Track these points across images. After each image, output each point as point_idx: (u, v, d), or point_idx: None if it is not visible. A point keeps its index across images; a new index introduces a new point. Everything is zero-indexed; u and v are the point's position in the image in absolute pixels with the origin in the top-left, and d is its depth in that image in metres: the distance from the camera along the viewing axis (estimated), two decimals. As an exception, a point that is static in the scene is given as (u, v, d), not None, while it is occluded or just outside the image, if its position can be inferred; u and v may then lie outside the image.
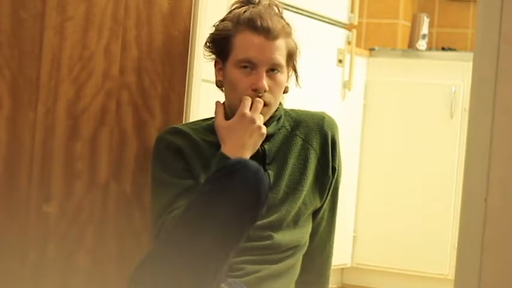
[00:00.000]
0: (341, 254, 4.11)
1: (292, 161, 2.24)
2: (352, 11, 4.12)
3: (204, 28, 2.47)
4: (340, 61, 4.08)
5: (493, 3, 1.68)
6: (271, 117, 2.24)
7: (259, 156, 2.21)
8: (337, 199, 2.37)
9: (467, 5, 4.90)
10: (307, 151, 2.26)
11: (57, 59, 2.19)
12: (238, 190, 1.98)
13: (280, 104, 2.29)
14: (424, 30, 4.87)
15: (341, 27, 4.08)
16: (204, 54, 2.29)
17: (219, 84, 2.27)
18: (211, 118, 2.32)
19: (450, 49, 4.70)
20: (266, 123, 2.21)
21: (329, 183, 2.31)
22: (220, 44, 2.22)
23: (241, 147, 2.13)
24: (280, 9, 2.25)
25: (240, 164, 2.01)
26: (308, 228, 2.30)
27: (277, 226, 2.20)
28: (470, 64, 1.74)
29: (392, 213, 4.29)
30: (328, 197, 2.33)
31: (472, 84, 1.70)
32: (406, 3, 4.86)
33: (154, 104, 2.39)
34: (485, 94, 1.70)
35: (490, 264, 1.65)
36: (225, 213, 1.97)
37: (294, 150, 2.25)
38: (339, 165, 2.32)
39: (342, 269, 4.34)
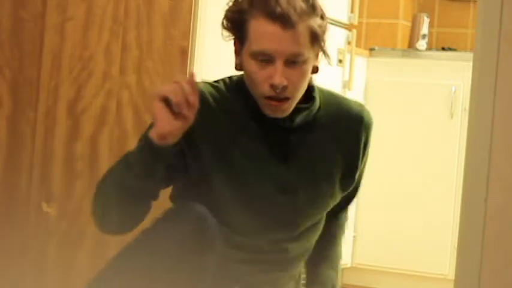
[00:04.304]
0: (341, 254, 4.11)
1: (318, 162, 1.98)
2: (352, 11, 4.12)
3: (204, 28, 2.47)
4: (340, 61, 4.08)
5: (493, 3, 1.68)
6: (297, 109, 1.94)
7: (281, 150, 1.95)
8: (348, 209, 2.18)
9: (467, 5, 4.90)
10: (336, 152, 2.01)
11: (57, 59, 2.19)
12: (176, 244, 1.80)
13: (313, 89, 1.99)
14: (424, 30, 4.87)
15: (341, 27, 4.08)
16: (222, 34, 1.99)
17: (239, 68, 1.95)
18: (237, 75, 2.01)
19: (450, 49, 4.70)
20: (291, 115, 1.93)
21: (349, 189, 2.09)
22: (235, 28, 1.93)
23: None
24: None
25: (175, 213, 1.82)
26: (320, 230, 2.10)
27: (294, 237, 2.00)
28: (470, 64, 1.74)
29: (392, 213, 4.29)
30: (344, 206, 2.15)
31: (472, 84, 1.70)
32: (406, 3, 4.86)
33: (155, 104, 2.39)
34: (485, 94, 1.70)
35: (490, 264, 1.65)
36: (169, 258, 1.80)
37: (321, 149, 1.99)
38: (361, 172, 2.11)
39: (342, 269, 4.34)
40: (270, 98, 1.87)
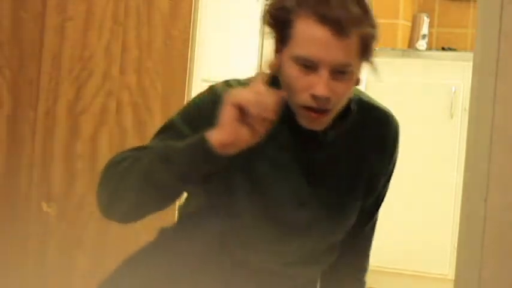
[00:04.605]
0: (341, 254, 4.10)
1: (343, 178, 1.81)
2: (352, 11, 4.11)
3: (204, 28, 2.47)
4: (340, 61, 4.08)
5: (493, 3, 1.68)
6: (333, 122, 1.74)
7: (308, 162, 1.77)
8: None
9: (467, 5, 4.90)
10: (362, 166, 1.83)
11: (57, 59, 2.19)
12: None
13: (351, 102, 1.79)
14: (424, 30, 4.87)
15: (341, 27, 4.07)
16: (263, 30, 1.77)
17: (275, 70, 1.72)
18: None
19: (450, 49, 4.70)
20: (326, 129, 1.74)
21: (370, 204, 1.91)
22: (278, 26, 1.70)
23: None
24: None
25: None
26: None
27: (306, 261, 1.85)
28: (470, 64, 1.73)
29: (392, 213, 4.29)
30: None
31: (472, 84, 1.70)
32: (406, 3, 4.86)
33: (154, 104, 2.39)
34: (485, 94, 1.70)
35: (490, 264, 1.65)
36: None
37: (347, 163, 1.80)
38: (384, 186, 1.93)
39: (342, 269, 4.33)
40: (308, 108, 1.66)
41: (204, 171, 1.61)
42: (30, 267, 2.19)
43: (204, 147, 1.57)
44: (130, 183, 1.65)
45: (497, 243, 1.65)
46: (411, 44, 4.88)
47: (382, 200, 1.96)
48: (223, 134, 1.56)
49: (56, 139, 2.21)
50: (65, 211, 2.24)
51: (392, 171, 1.96)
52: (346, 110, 1.75)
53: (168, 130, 1.75)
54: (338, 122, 1.74)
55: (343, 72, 1.65)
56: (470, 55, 4.28)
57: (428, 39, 4.90)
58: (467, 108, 4.00)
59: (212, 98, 1.72)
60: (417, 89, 4.26)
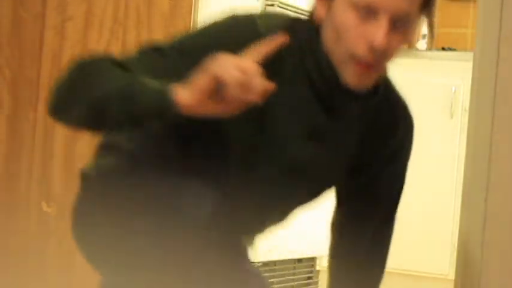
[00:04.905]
0: (341, 254, 4.10)
1: (341, 153, 1.65)
2: (352, 11, 4.11)
3: (204, 28, 2.47)
4: (340, 61, 4.07)
5: (493, 3, 1.68)
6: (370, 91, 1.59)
7: (321, 128, 1.58)
8: None
9: (467, 5, 4.90)
10: (358, 144, 1.67)
11: (57, 59, 2.19)
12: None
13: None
14: (424, 30, 4.87)
15: (341, 27, 4.07)
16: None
17: (317, 18, 1.53)
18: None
19: (450, 49, 4.70)
20: (355, 97, 1.57)
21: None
22: None
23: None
24: None
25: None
26: None
27: (274, 219, 1.69)
28: (470, 64, 1.74)
29: (392, 213, 4.29)
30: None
31: (472, 84, 1.70)
32: (406, 3, 4.86)
33: (155, 104, 2.40)
34: (485, 94, 1.70)
35: (490, 264, 1.65)
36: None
37: (349, 137, 1.64)
38: (392, 182, 1.83)
39: (342, 269, 4.33)
40: (360, 61, 1.50)
41: (156, 123, 1.43)
42: (30, 267, 2.19)
43: (166, 101, 1.38)
44: (86, 98, 1.44)
45: (497, 243, 1.65)
46: (411, 43, 4.88)
47: (396, 196, 1.89)
48: (190, 98, 1.37)
49: (56, 139, 2.21)
50: (65, 211, 2.24)
51: (401, 168, 1.83)
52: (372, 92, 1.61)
53: (153, 53, 1.57)
54: (369, 94, 1.59)
55: (400, 25, 1.51)
56: (470, 55, 4.27)
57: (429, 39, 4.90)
58: (467, 108, 4.00)
59: (229, 30, 1.56)
60: (417, 89, 4.26)
